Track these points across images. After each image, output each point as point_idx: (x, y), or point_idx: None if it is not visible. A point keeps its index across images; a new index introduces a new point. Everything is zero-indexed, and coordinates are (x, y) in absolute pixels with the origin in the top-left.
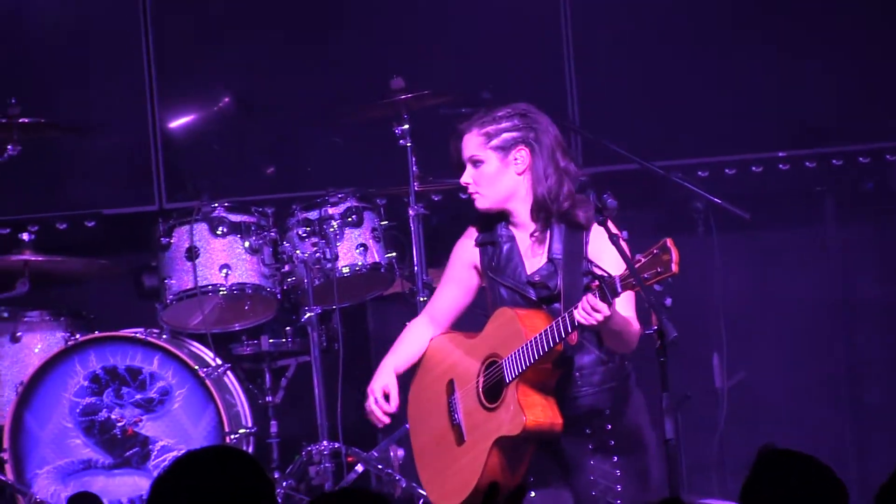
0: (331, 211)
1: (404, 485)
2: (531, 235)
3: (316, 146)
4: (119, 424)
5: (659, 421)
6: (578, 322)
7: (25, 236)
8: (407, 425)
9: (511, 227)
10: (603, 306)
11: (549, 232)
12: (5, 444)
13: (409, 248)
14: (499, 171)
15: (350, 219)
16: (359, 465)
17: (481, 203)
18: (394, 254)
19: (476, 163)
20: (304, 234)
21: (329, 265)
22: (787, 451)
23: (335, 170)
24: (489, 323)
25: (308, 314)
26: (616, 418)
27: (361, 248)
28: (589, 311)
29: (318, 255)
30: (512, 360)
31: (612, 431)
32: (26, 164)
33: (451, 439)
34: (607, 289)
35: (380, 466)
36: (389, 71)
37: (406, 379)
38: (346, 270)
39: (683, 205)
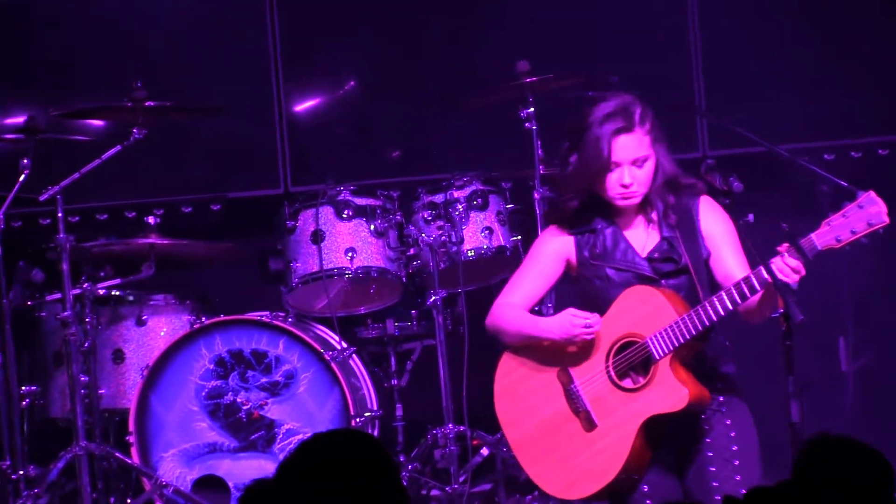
0: (456, 194)
1: None
2: (637, 218)
3: (441, 130)
4: (244, 408)
5: (784, 404)
6: (780, 281)
7: (151, 220)
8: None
9: (610, 215)
10: (799, 265)
11: (654, 213)
12: (131, 427)
13: (534, 231)
14: (654, 165)
15: (475, 202)
16: (484, 448)
17: (635, 202)
18: (519, 237)
19: (641, 162)
20: (430, 218)
21: (454, 248)
22: (836, 436)
23: (461, 153)
24: (616, 304)
25: (433, 298)
26: (730, 400)
27: (487, 232)
28: (788, 271)
29: (443, 238)
30: (663, 337)
31: (725, 402)
32: (152, 147)
33: (576, 427)
34: (804, 247)
35: (504, 450)
36: (515, 54)
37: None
38: (471, 254)
39: (809, 188)
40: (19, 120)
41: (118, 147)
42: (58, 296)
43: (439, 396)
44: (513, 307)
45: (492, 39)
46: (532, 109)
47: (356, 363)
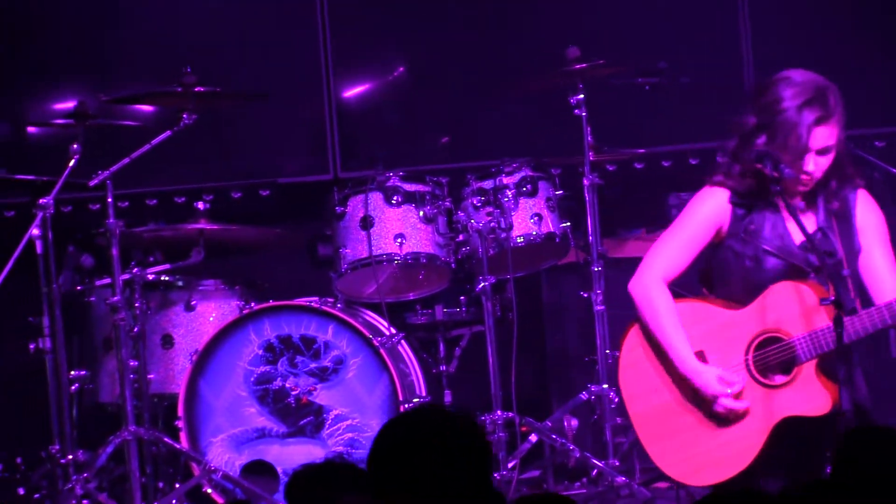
0: (505, 180)
1: (578, 455)
2: (800, 204)
3: (491, 116)
4: (293, 393)
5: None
6: None
7: (200, 205)
8: (583, 394)
9: (774, 196)
10: None
11: (817, 201)
12: (180, 412)
13: (584, 217)
14: (834, 154)
15: (525, 188)
16: (532, 434)
17: (809, 188)
18: (568, 223)
19: (827, 151)
20: (479, 204)
21: (503, 235)
22: (876, 428)
23: (510, 139)
24: (766, 296)
25: (482, 284)
26: (859, 405)
27: (536, 218)
28: None
29: (492, 224)
30: (811, 341)
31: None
32: (202, 133)
33: (707, 412)
34: None
35: (553, 436)
36: (565, 40)
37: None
38: (520, 240)
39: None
40: (69, 105)
41: (168, 132)
42: (107, 281)
43: (488, 383)
44: (661, 293)
45: (541, 25)
46: (582, 96)
47: (405, 349)
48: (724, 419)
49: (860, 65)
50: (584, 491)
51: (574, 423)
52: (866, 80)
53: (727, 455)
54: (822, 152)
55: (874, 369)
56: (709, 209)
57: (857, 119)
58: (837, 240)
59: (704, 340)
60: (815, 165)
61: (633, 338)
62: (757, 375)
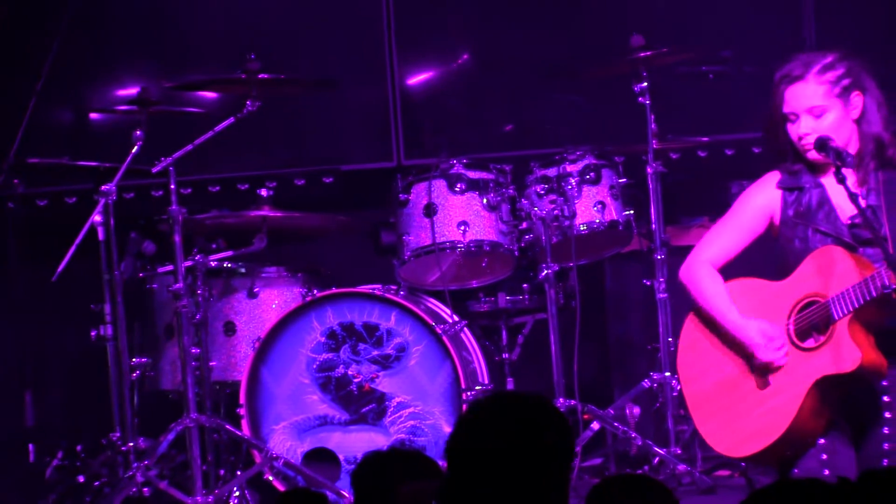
0: (569, 168)
1: (640, 443)
2: (852, 180)
3: (554, 103)
4: (355, 380)
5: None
6: None
7: (264, 192)
8: (645, 382)
9: (819, 175)
10: None
11: (868, 175)
12: (242, 400)
13: (647, 205)
14: (841, 120)
15: (588, 176)
16: (594, 422)
17: (812, 154)
18: (631, 211)
19: (818, 113)
20: (543, 192)
21: (567, 222)
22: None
23: (574, 127)
24: (805, 263)
25: (545, 271)
26: None
27: (599, 206)
28: None
29: (555, 212)
30: (844, 297)
31: None
32: (265, 120)
33: (751, 385)
34: None
35: (615, 424)
36: (629, 28)
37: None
38: (583, 228)
39: None
40: (132, 92)
41: (231, 119)
42: (169, 268)
43: (550, 370)
44: (709, 273)
45: (606, 12)
46: (646, 84)
47: (467, 336)
48: (766, 384)
49: None
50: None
51: (636, 410)
52: None
53: (766, 424)
54: (813, 113)
55: None
56: (759, 196)
57: None
58: (885, 217)
59: (752, 312)
60: (810, 128)
61: (689, 324)
62: (795, 340)
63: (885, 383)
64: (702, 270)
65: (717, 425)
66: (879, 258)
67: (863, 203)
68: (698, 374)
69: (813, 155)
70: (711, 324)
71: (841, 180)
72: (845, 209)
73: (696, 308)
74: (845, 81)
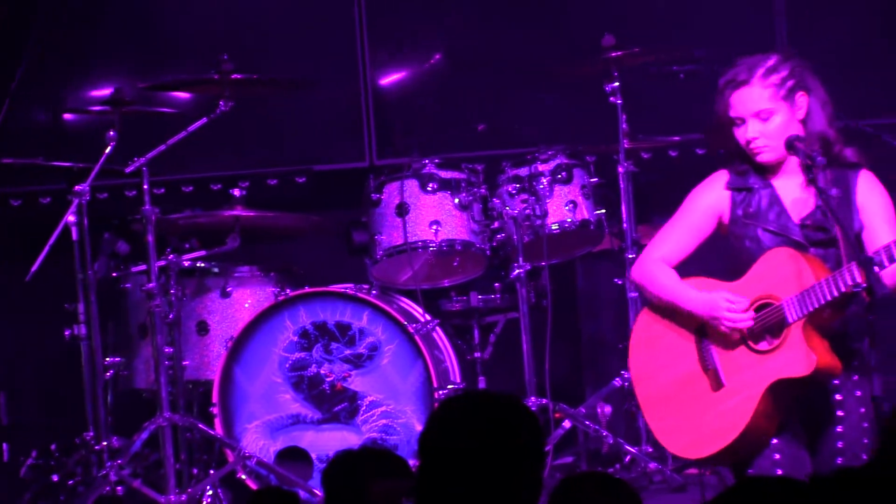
0: (541, 168)
1: (611, 441)
2: (796, 181)
3: (526, 103)
4: (328, 379)
5: (867, 378)
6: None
7: (236, 192)
8: (616, 381)
9: (768, 176)
10: None
11: (815, 176)
12: (215, 399)
13: (619, 205)
14: (788, 121)
15: (560, 176)
16: (566, 420)
17: (767, 156)
18: (603, 211)
19: (764, 116)
20: (514, 191)
21: (538, 222)
22: None
23: (545, 127)
24: (758, 265)
25: (517, 271)
26: (863, 369)
27: (571, 205)
28: None
29: (527, 211)
30: (798, 300)
31: (859, 382)
32: (237, 120)
33: (704, 386)
34: None
35: (587, 423)
36: (600, 28)
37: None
38: (555, 227)
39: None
40: (106, 92)
41: (204, 119)
42: (143, 267)
43: (522, 369)
44: (662, 267)
45: (577, 12)
46: (617, 84)
47: (439, 336)
48: (720, 385)
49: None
50: (617, 477)
51: (607, 409)
52: None
53: (721, 426)
54: (760, 117)
55: None
56: (707, 197)
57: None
58: (834, 218)
59: None
60: (758, 132)
61: (641, 321)
62: (750, 343)
63: (836, 382)
64: (654, 266)
65: (670, 426)
66: (832, 258)
67: (812, 204)
68: (651, 374)
69: (762, 158)
70: (664, 321)
71: (812, 181)
72: (795, 210)
73: (651, 305)
74: (790, 83)
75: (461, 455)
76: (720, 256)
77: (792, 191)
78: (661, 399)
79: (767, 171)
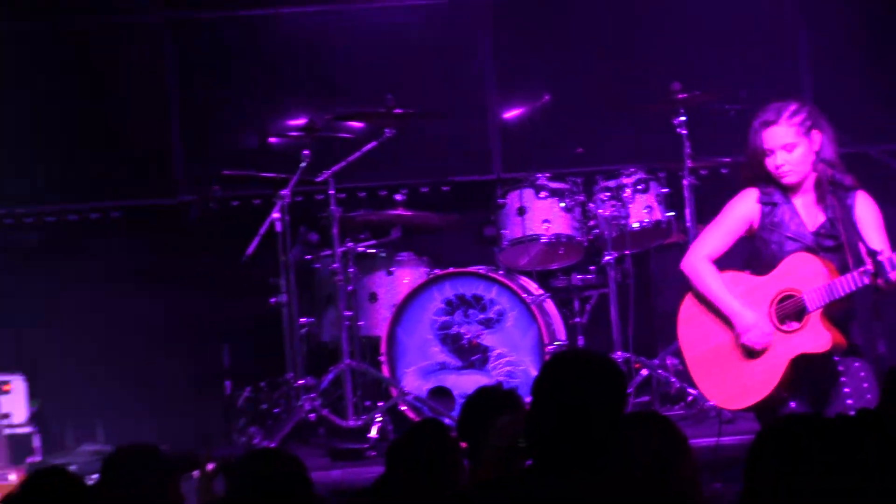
0: (625, 181)
1: (677, 385)
2: (810, 198)
3: (613, 132)
4: (466, 337)
5: (872, 342)
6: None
7: (398, 197)
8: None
9: (789, 195)
10: None
11: (825, 196)
12: (382, 350)
13: (683, 208)
14: (806, 152)
15: (639, 187)
16: (643, 370)
17: (792, 178)
18: (672, 213)
19: (790, 148)
20: (605, 198)
21: (623, 221)
22: None
23: (628, 150)
24: (782, 265)
25: (607, 258)
26: (854, 346)
27: (647, 209)
28: None
29: (615, 213)
30: (817, 293)
31: (854, 356)
32: (398, 142)
33: (737, 354)
34: None
35: (659, 371)
36: (671, 75)
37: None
38: (635, 225)
39: None
40: (300, 121)
41: (374, 143)
42: (329, 252)
43: (610, 331)
44: (707, 266)
45: (652, 63)
46: (683, 118)
47: (549, 305)
48: (752, 355)
49: None
50: (682, 412)
51: (675, 361)
52: None
53: (755, 384)
54: (786, 149)
55: None
56: (742, 208)
57: None
58: (841, 228)
59: (740, 299)
60: (784, 160)
61: (687, 302)
62: (777, 324)
63: (839, 365)
64: (702, 265)
65: (711, 384)
66: (837, 261)
67: (823, 217)
68: (694, 343)
69: (788, 180)
70: (706, 304)
71: (822, 198)
72: (810, 221)
73: (695, 292)
74: (808, 123)
75: (565, 407)
76: (735, 251)
77: (807, 206)
78: (703, 363)
79: (788, 190)
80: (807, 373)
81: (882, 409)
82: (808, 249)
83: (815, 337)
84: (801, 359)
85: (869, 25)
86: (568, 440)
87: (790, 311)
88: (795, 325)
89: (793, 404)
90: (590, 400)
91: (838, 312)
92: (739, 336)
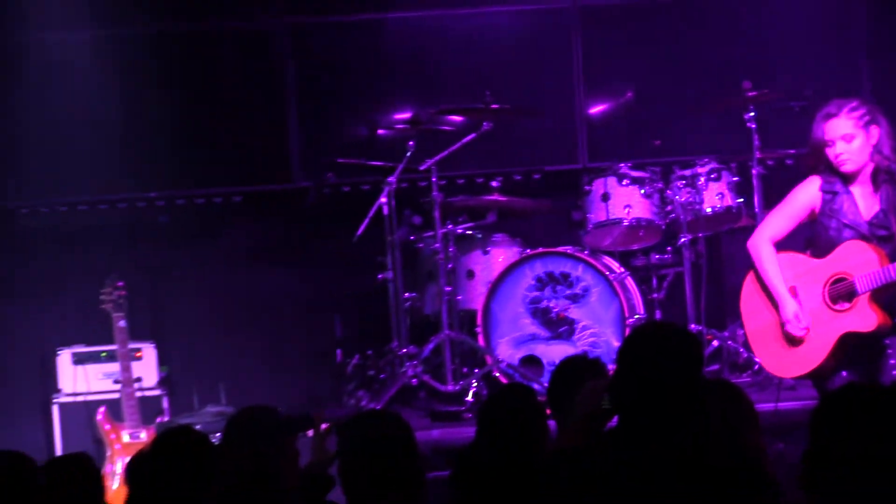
0: (699, 170)
1: (745, 355)
2: (867, 189)
3: (689, 126)
4: (554, 310)
5: None
6: None
7: (494, 183)
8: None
9: (848, 184)
10: None
11: (880, 187)
12: (478, 322)
13: (752, 195)
14: (864, 144)
15: (712, 175)
16: (714, 341)
17: (849, 167)
18: (742, 199)
19: (849, 139)
20: (681, 186)
21: (697, 206)
22: None
23: (703, 141)
24: (837, 250)
25: (682, 239)
26: None
27: (719, 196)
28: None
29: (690, 199)
30: (867, 278)
31: None
32: (495, 135)
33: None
34: None
35: (729, 343)
36: (742, 74)
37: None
38: (708, 210)
39: None
40: (406, 115)
41: (473, 135)
42: (431, 233)
43: (685, 306)
44: (769, 249)
45: (725, 63)
46: (753, 114)
47: (630, 282)
48: (809, 332)
49: None
50: (749, 380)
51: (742, 332)
52: None
53: (807, 356)
54: (845, 139)
55: None
56: (805, 194)
57: None
58: (893, 218)
59: (797, 279)
60: (843, 149)
61: (750, 278)
62: (829, 303)
63: (885, 343)
64: (764, 247)
65: (768, 353)
66: (888, 249)
67: (878, 207)
68: (754, 316)
69: (846, 168)
70: (763, 283)
71: (878, 185)
72: (865, 210)
73: (755, 270)
74: (866, 118)
75: (645, 380)
76: (801, 235)
77: (864, 196)
78: (761, 334)
79: (848, 179)
80: (855, 349)
81: None
82: (863, 237)
83: (863, 317)
84: (849, 336)
85: None
86: (647, 413)
87: (842, 292)
88: (846, 305)
89: (844, 374)
90: (667, 375)
91: (886, 297)
92: (784, 323)
